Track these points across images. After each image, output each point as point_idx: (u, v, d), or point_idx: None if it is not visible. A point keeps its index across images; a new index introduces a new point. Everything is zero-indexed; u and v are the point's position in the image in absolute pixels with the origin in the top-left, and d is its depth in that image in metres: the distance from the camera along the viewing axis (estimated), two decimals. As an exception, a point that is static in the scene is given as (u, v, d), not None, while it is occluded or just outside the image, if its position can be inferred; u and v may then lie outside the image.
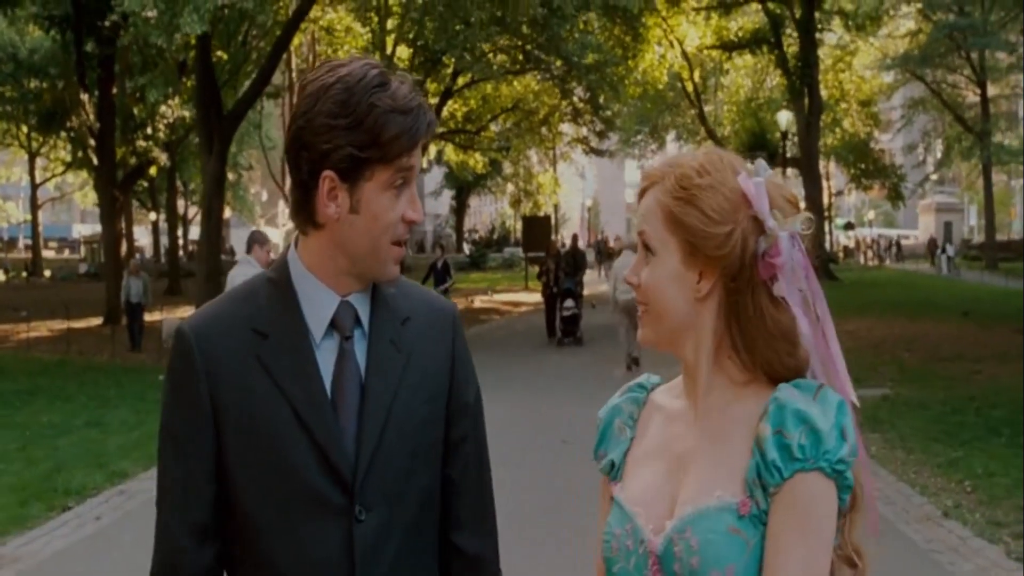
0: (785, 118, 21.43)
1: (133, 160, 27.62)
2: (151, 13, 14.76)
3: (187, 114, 28.31)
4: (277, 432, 1.60)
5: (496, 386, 12.04)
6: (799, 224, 1.49)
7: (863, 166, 51.74)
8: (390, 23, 30.40)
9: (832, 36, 45.23)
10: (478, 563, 1.77)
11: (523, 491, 7.23)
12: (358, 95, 1.56)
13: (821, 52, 44.76)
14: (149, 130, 27.33)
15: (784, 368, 1.48)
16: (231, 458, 1.62)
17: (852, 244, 67.21)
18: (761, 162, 1.54)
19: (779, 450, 1.42)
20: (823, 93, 46.78)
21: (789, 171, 47.50)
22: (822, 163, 53.89)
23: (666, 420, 1.61)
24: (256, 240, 9.65)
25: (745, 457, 1.46)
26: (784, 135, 21.78)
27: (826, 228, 61.24)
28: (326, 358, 1.64)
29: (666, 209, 1.51)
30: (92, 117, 24.51)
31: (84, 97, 24.61)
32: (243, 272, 8.80)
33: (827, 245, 59.03)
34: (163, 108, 26.25)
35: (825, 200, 58.49)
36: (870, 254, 64.71)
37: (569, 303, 18.20)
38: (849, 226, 67.21)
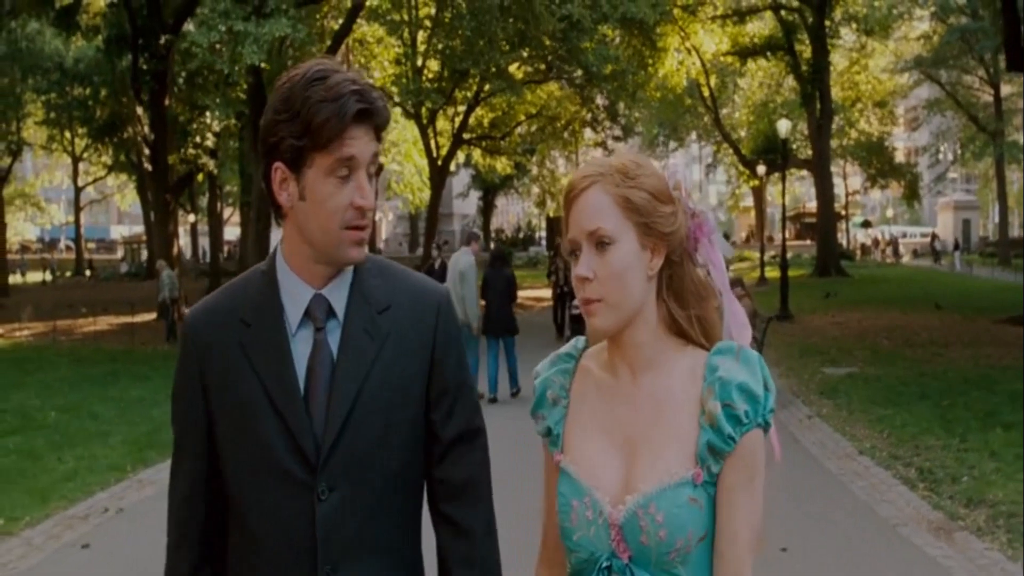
0: (785, 126, 23.10)
1: (182, 167, 29.70)
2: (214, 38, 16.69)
3: (230, 122, 30.37)
4: (252, 412, 1.73)
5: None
6: (706, 206, 1.77)
7: (880, 165, 53.14)
8: (420, 35, 32.37)
9: (847, 39, 46.55)
10: (466, 534, 1.84)
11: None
12: (297, 90, 1.67)
13: (837, 55, 46.30)
14: (198, 138, 29.39)
15: (709, 324, 1.71)
16: (218, 432, 1.79)
17: (869, 242, 68.44)
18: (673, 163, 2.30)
19: (730, 421, 1.61)
20: (839, 95, 48.37)
21: (802, 173, 49.28)
22: (839, 163, 55.46)
23: (602, 394, 1.75)
24: (471, 236, 12.93)
25: (691, 431, 1.64)
26: (784, 142, 23.46)
27: (842, 226, 62.78)
28: (303, 347, 1.76)
29: (620, 197, 1.63)
30: (147, 128, 26.57)
31: (139, 110, 26.70)
32: (463, 258, 12.29)
33: (844, 243, 60.57)
34: (210, 120, 28.27)
35: (842, 199, 60.15)
36: (889, 251, 65.93)
37: (576, 302, 19.33)
38: (866, 224, 68.47)
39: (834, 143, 48.73)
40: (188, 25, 25.02)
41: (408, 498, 1.82)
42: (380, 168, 1.64)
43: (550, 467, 1.80)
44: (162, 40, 24.75)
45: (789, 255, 52.62)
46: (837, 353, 15.35)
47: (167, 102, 27.23)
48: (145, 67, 26.24)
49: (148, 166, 27.10)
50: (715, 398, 1.62)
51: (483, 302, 12.57)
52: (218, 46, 16.76)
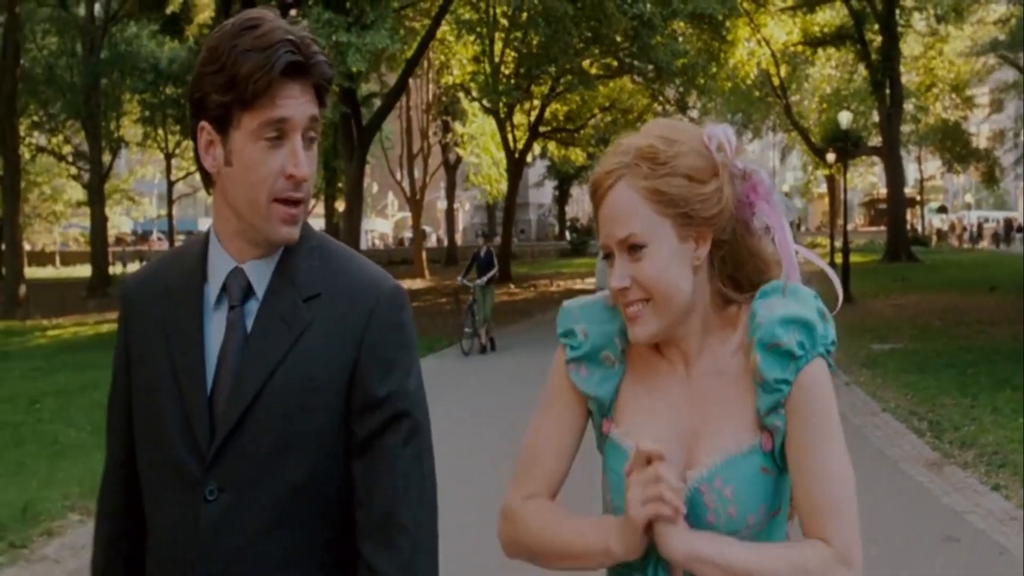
0: (846, 118, 24.19)
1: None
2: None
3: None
4: (158, 391, 1.59)
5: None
6: (750, 158, 1.56)
7: (958, 150, 53.24)
8: (497, 35, 33.94)
9: (921, 25, 46.81)
10: None
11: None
12: (225, 40, 1.51)
13: (911, 40, 46.71)
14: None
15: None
16: (132, 409, 1.66)
17: (946, 227, 68.25)
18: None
19: (780, 360, 1.44)
20: (913, 80, 48.71)
21: (873, 159, 49.74)
22: (914, 149, 55.68)
23: (656, 375, 1.58)
24: None
25: (751, 397, 1.48)
26: (846, 133, 24.56)
27: (918, 212, 62.91)
28: (218, 325, 1.60)
29: (651, 191, 1.46)
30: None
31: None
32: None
33: (920, 228, 60.73)
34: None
35: (917, 184, 60.27)
36: (965, 236, 65.65)
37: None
38: (942, 209, 68.32)
39: (908, 128, 49.14)
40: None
41: (327, 515, 1.58)
42: (315, 138, 1.56)
43: (561, 386, 1.63)
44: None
45: (863, 241, 53.31)
46: (887, 331, 16.54)
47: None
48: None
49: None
50: (756, 348, 1.46)
51: None
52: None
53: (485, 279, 16.51)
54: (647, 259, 1.47)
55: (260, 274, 1.59)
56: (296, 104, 1.51)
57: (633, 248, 1.47)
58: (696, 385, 1.54)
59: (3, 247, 28.21)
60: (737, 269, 1.54)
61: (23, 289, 26.32)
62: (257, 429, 1.54)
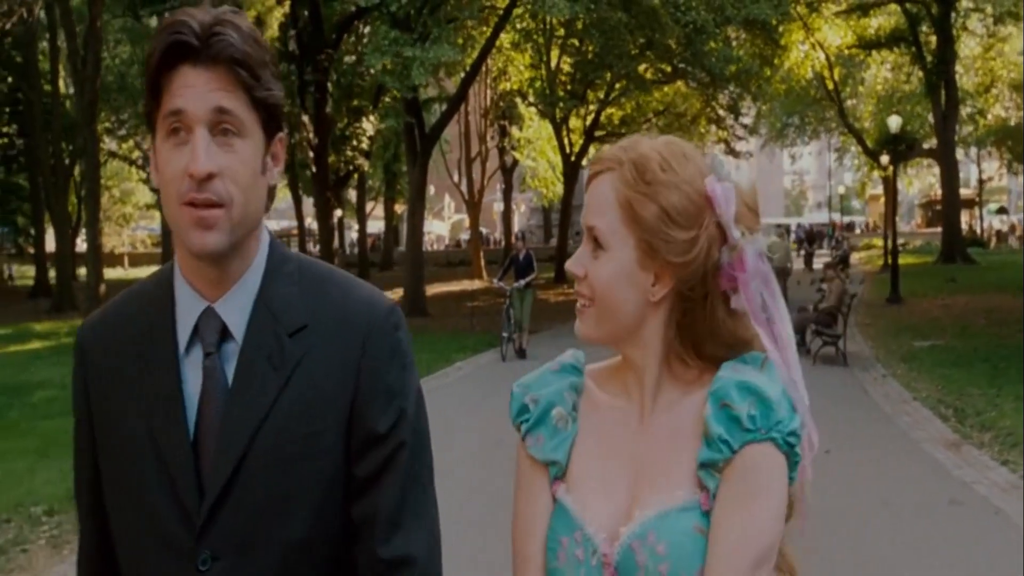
0: (896, 122, 24.71)
1: (343, 167, 32.96)
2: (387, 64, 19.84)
3: (383, 126, 33.48)
4: (134, 456, 1.42)
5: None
6: (762, 245, 1.41)
7: (1020, 149, 52.97)
8: (553, 43, 34.86)
9: (978, 27, 46.79)
10: None
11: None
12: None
13: (971, 41, 46.71)
14: (354, 142, 32.59)
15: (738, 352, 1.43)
16: (103, 476, 1.48)
17: (1006, 228, 67.69)
18: (719, 158, 1.44)
19: (727, 423, 1.34)
20: (971, 81, 48.68)
21: (926, 161, 49.81)
22: (972, 150, 55.53)
23: (609, 419, 1.49)
24: None
25: (695, 452, 1.39)
26: (895, 137, 25.08)
27: (976, 213, 62.63)
28: (194, 375, 1.42)
29: (624, 201, 1.39)
30: (311, 134, 29.81)
31: (304, 118, 29.97)
32: None
33: (978, 230, 60.47)
34: (366, 124, 31.38)
35: (974, 186, 60.05)
36: (1028, 237, 65.02)
37: None
38: (1002, 210, 67.79)
39: (967, 129, 49.11)
40: (347, 39, 28.19)
41: (334, 564, 1.45)
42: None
43: (528, 476, 1.50)
44: (323, 55, 27.93)
45: (920, 242, 53.12)
46: (930, 330, 17.14)
47: (327, 110, 30.42)
48: (308, 79, 29.46)
49: (312, 168, 30.38)
50: (710, 400, 1.37)
51: None
52: (389, 67, 19.79)
53: (524, 282, 16.19)
54: (601, 261, 1.41)
55: (234, 312, 1.43)
56: (195, 94, 1.34)
57: (595, 243, 1.42)
58: (647, 436, 1.44)
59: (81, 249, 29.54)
60: (707, 337, 1.42)
61: (103, 288, 27.70)
62: (251, 485, 1.38)
